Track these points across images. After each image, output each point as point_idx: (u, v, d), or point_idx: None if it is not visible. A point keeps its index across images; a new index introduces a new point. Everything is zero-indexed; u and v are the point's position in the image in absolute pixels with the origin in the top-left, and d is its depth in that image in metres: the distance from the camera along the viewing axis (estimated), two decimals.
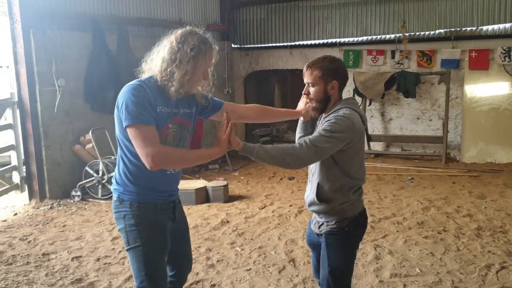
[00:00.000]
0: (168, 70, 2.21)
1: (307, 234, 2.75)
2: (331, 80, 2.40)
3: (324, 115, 2.48)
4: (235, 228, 4.98)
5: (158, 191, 2.37)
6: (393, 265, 3.97)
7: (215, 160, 8.38)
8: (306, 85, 2.47)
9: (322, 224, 2.50)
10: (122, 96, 2.21)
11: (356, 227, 2.49)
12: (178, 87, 2.24)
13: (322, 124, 2.42)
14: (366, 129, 8.46)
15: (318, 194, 2.44)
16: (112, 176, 5.91)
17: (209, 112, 2.60)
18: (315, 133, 2.34)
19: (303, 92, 2.49)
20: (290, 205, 5.75)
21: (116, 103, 2.24)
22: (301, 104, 2.70)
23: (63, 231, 5.03)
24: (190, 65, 2.22)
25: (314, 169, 2.50)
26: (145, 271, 2.31)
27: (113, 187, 2.39)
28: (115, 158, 6.31)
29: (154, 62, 2.29)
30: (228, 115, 2.32)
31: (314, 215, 2.59)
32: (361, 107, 8.26)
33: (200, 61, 2.26)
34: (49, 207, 5.88)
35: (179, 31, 2.29)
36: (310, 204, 2.52)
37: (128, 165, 2.30)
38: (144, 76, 2.33)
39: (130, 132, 2.17)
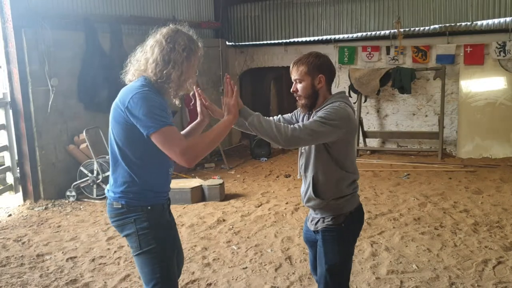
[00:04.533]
0: (164, 72, 2.21)
1: (304, 231, 2.74)
2: (317, 75, 2.41)
3: (314, 111, 2.47)
4: (231, 227, 4.95)
5: (162, 191, 2.37)
6: (390, 261, 3.95)
7: (211, 158, 8.36)
8: (294, 82, 2.48)
9: (319, 220, 2.49)
10: (135, 104, 2.13)
11: (352, 222, 2.48)
12: (176, 88, 2.27)
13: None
14: (362, 124, 8.45)
15: (315, 188, 2.43)
16: (106, 176, 5.93)
17: None
18: (310, 120, 2.36)
19: (291, 90, 2.49)
20: (286, 203, 5.73)
21: (125, 110, 2.16)
22: (199, 109, 2.60)
23: (57, 231, 4.99)
24: (185, 66, 2.25)
25: (307, 163, 2.49)
26: (160, 273, 2.27)
27: (114, 195, 2.28)
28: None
29: (144, 64, 2.25)
30: (229, 78, 2.37)
31: (310, 211, 2.59)
32: (356, 103, 8.28)
33: (192, 60, 2.29)
34: (43, 207, 5.84)
35: (164, 31, 2.27)
36: (308, 200, 2.51)
37: (135, 170, 2.25)
38: (130, 77, 2.30)
39: (157, 138, 2.12)
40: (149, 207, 2.27)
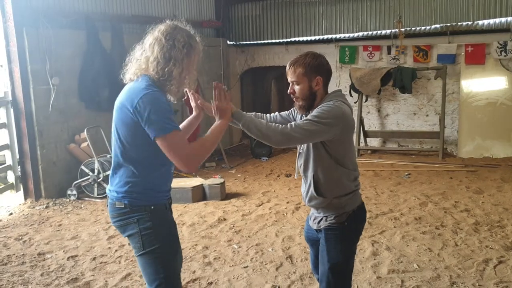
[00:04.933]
0: (166, 69, 2.19)
1: (305, 230, 2.74)
2: (315, 77, 2.39)
3: (311, 111, 2.45)
4: (232, 226, 4.96)
5: (165, 190, 2.37)
6: (391, 261, 3.95)
7: (212, 158, 8.36)
8: (291, 84, 2.45)
9: (321, 219, 2.49)
10: (145, 106, 2.12)
11: (355, 221, 2.48)
12: (178, 85, 2.26)
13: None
14: (362, 123, 8.44)
15: (316, 187, 2.43)
16: (107, 175, 5.93)
17: None
18: (303, 119, 2.36)
19: (288, 92, 2.47)
20: (287, 202, 5.73)
21: (134, 111, 2.14)
22: (193, 104, 2.60)
23: (58, 230, 4.99)
24: (185, 62, 2.24)
25: (306, 162, 2.48)
26: (164, 273, 2.26)
27: (117, 195, 2.27)
28: (111, 157, 6.28)
29: (145, 62, 2.23)
30: (218, 83, 2.36)
31: (313, 211, 2.58)
32: (357, 103, 8.28)
33: (192, 57, 2.28)
34: (44, 206, 5.84)
35: (163, 27, 2.25)
36: (310, 199, 2.50)
37: (140, 169, 2.25)
38: (130, 76, 2.27)
39: (162, 142, 2.13)
40: (152, 207, 2.26)
